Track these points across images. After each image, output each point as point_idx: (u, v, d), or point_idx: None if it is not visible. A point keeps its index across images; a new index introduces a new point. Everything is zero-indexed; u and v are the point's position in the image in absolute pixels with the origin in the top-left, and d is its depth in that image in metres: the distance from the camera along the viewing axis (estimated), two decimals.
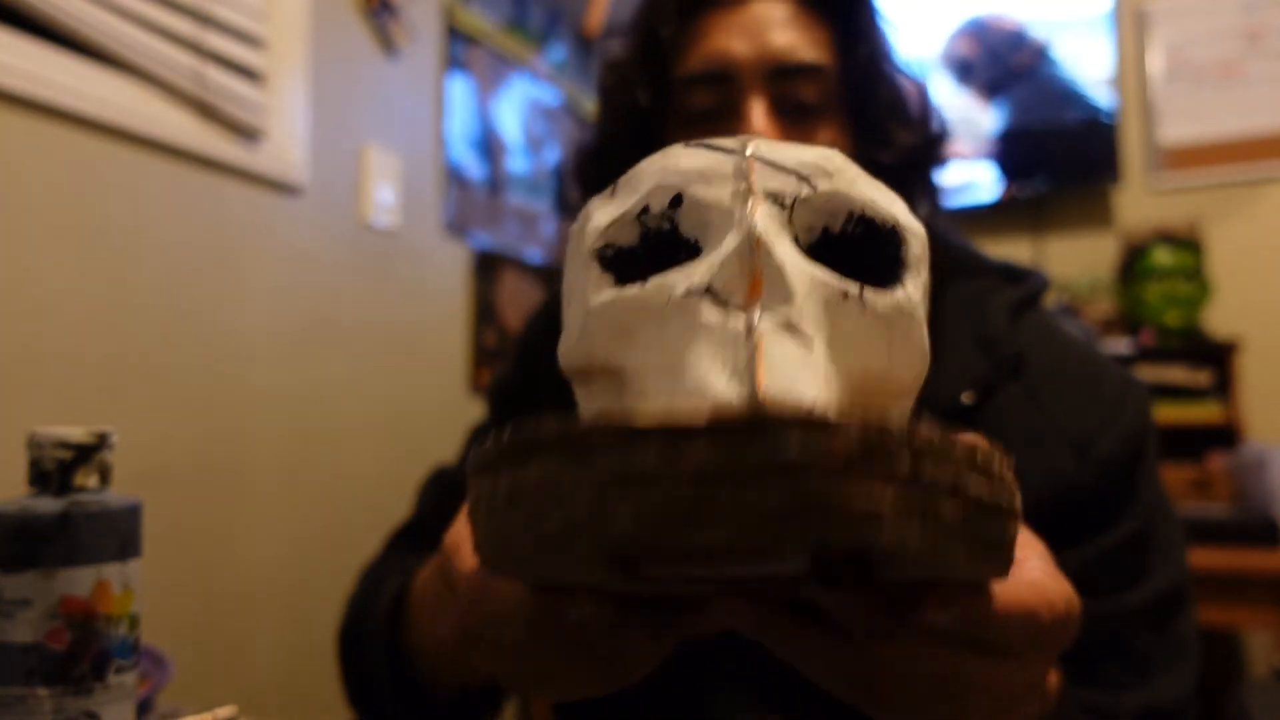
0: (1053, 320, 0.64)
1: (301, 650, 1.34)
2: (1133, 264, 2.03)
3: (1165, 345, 1.93)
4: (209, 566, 1.22)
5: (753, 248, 0.26)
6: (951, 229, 0.66)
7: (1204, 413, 1.85)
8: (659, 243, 0.28)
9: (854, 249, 0.28)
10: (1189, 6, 2.14)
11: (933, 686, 0.28)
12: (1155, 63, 2.16)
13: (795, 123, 0.58)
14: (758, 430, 0.18)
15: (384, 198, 1.59)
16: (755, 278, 0.25)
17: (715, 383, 0.23)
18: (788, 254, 0.26)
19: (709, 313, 0.25)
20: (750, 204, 0.27)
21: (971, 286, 0.62)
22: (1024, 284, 0.63)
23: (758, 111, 0.57)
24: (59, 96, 1.03)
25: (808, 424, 0.18)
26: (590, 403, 0.30)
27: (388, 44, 1.62)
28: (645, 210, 0.28)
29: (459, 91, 1.81)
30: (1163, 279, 1.97)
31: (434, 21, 1.76)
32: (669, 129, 0.62)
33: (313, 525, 1.41)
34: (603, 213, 0.29)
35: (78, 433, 0.41)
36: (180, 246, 1.20)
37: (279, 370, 1.35)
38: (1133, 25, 2.20)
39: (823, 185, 0.28)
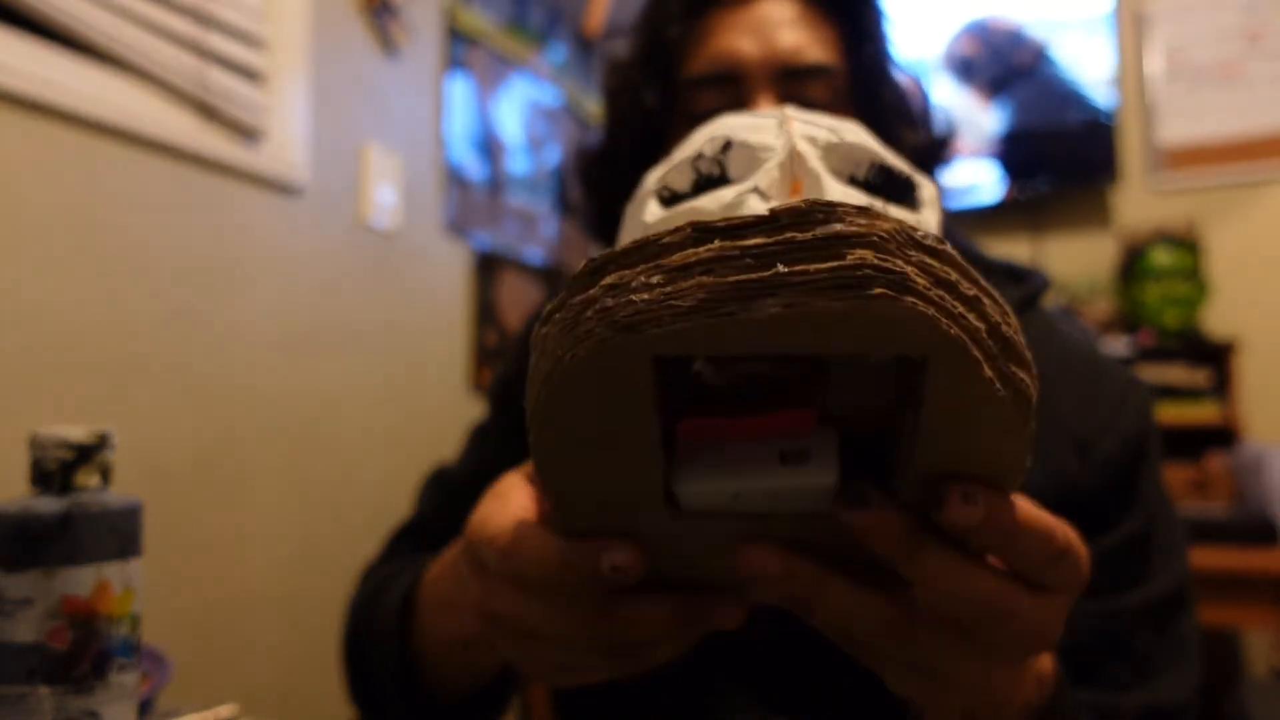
0: (1053, 320, 0.63)
1: (302, 650, 1.34)
2: (1132, 264, 2.04)
3: (1164, 345, 1.93)
4: (209, 566, 1.22)
5: (793, 158, 0.30)
6: (953, 228, 0.66)
7: (1203, 413, 1.85)
8: (709, 186, 0.32)
9: (876, 193, 0.33)
10: (1189, 6, 2.14)
11: (960, 626, 0.28)
12: (1155, 63, 2.16)
13: None
14: (809, 212, 0.21)
15: (384, 198, 1.59)
16: (796, 182, 0.30)
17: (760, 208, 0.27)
18: (822, 168, 0.30)
19: (756, 205, 0.29)
20: (789, 134, 0.31)
21: None
22: (1025, 284, 0.63)
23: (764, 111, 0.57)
24: (59, 96, 1.03)
25: (852, 209, 0.21)
26: None
27: (388, 44, 1.62)
28: (699, 155, 0.31)
29: (459, 92, 1.81)
30: (1162, 279, 1.97)
31: (434, 21, 1.76)
32: (675, 130, 0.61)
33: (313, 524, 1.41)
34: (665, 166, 0.33)
35: (79, 433, 0.41)
36: (180, 247, 1.20)
37: (279, 370, 1.36)
38: (1133, 25, 2.20)
39: (848, 137, 0.32)
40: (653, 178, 0.33)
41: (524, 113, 2.05)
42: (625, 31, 2.28)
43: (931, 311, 0.20)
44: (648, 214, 0.32)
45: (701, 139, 0.32)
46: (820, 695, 0.52)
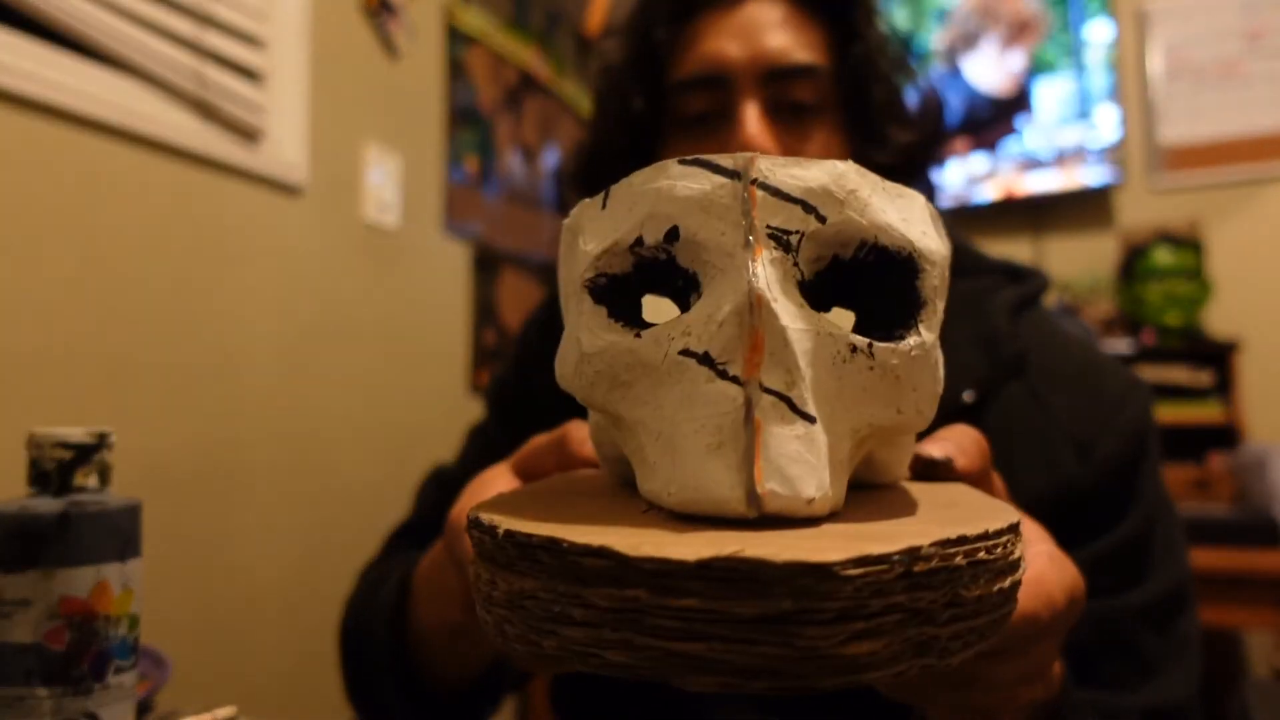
0: (1054, 319, 0.63)
1: (301, 650, 1.34)
2: (1133, 264, 2.04)
3: (1166, 345, 1.93)
4: (208, 566, 1.21)
5: (753, 308, 0.24)
6: (952, 227, 0.66)
7: (1204, 413, 1.85)
8: (654, 270, 0.27)
9: (868, 271, 0.27)
10: (1189, 6, 2.14)
11: (937, 681, 0.27)
12: (1155, 63, 2.16)
13: (790, 124, 0.58)
14: (750, 581, 0.18)
15: (384, 197, 1.59)
16: (756, 339, 0.24)
17: (714, 480, 0.23)
18: (790, 315, 0.24)
19: (706, 383, 0.24)
20: (750, 250, 0.24)
21: (972, 285, 0.62)
22: (1025, 283, 0.63)
23: (751, 114, 0.57)
24: (59, 96, 1.03)
25: (801, 573, 0.18)
26: (595, 426, 0.32)
27: (388, 44, 1.62)
28: (639, 242, 0.26)
29: (459, 91, 1.81)
30: (1163, 279, 1.97)
31: (434, 21, 1.76)
32: (664, 133, 0.61)
33: (312, 524, 1.41)
34: (594, 232, 0.27)
35: (77, 433, 0.41)
36: (180, 246, 1.20)
37: (279, 370, 1.35)
38: (1133, 25, 2.20)
39: (833, 216, 0.26)
40: (586, 248, 0.27)
41: (524, 113, 2.05)
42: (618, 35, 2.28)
43: (895, 675, 0.20)
44: (585, 326, 0.26)
45: (642, 210, 0.26)
46: (820, 698, 0.52)
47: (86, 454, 0.41)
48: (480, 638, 0.48)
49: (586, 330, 0.26)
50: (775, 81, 0.58)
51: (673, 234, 0.25)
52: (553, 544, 0.21)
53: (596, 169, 0.66)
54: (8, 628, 0.38)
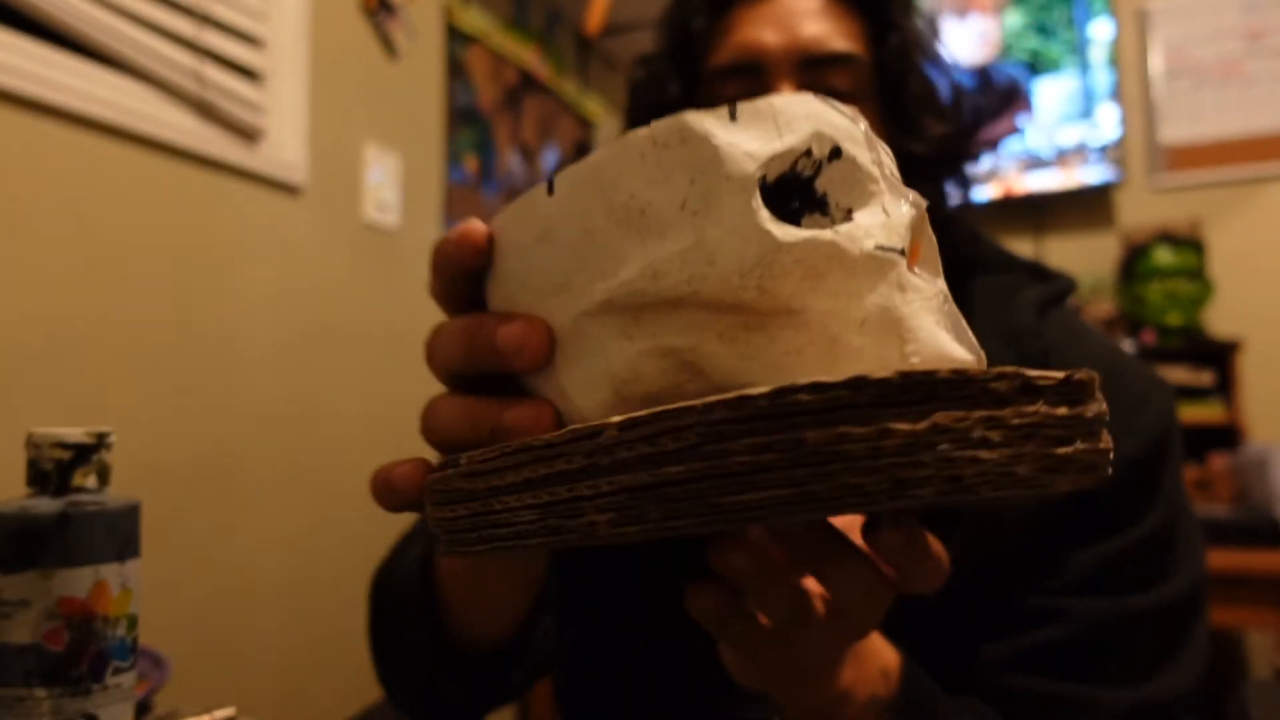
0: (1079, 319, 0.64)
1: (300, 651, 1.34)
2: (1134, 264, 2.03)
3: (1166, 345, 1.92)
4: (208, 567, 1.21)
5: (921, 219, 0.28)
6: (975, 227, 0.66)
7: (1206, 413, 1.85)
8: (788, 186, 0.28)
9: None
10: (1189, 6, 2.14)
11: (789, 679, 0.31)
12: (1155, 63, 2.16)
13: None
14: (1085, 391, 0.22)
15: (383, 197, 1.59)
16: (915, 247, 0.28)
17: (952, 347, 0.26)
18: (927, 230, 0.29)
19: (908, 274, 0.26)
20: (888, 176, 0.28)
21: (998, 281, 0.62)
22: (1051, 282, 0.63)
23: None
24: (59, 96, 1.03)
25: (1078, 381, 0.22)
26: (747, 343, 0.27)
27: (387, 44, 1.62)
28: (807, 153, 0.27)
29: (458, 91, 1.81)
30: (1164, 279, 1.97)
31: (434, 21, 1.76)
32: None
33: (312, 525, 1.41)
34: (743, 138, 0.27)
35: (76, 433, 0.41)
36: (180, 246, 1.19)
37: (278, 370, 1.35)
38: (1133, 25, 2.19)
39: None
40: (750, 149, 0.26)
41: (524, 113, 2.04)
42: (625, 31, 2.28)
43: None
44: (765, 219, 0.26)
45: (806, 127, 0.27)
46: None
47: (85, 454, 0.41)
48: (502, 590, 0.47)
49: (773, 223, 0.26)
50: (811, 69, 0.58)
51: (835, 152, 0.27)
52: (959, 376, 0.21)
53: None
54: (7, 628, 0.38)
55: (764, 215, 0.26)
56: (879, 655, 0.37)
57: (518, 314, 0.27)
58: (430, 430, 0.31)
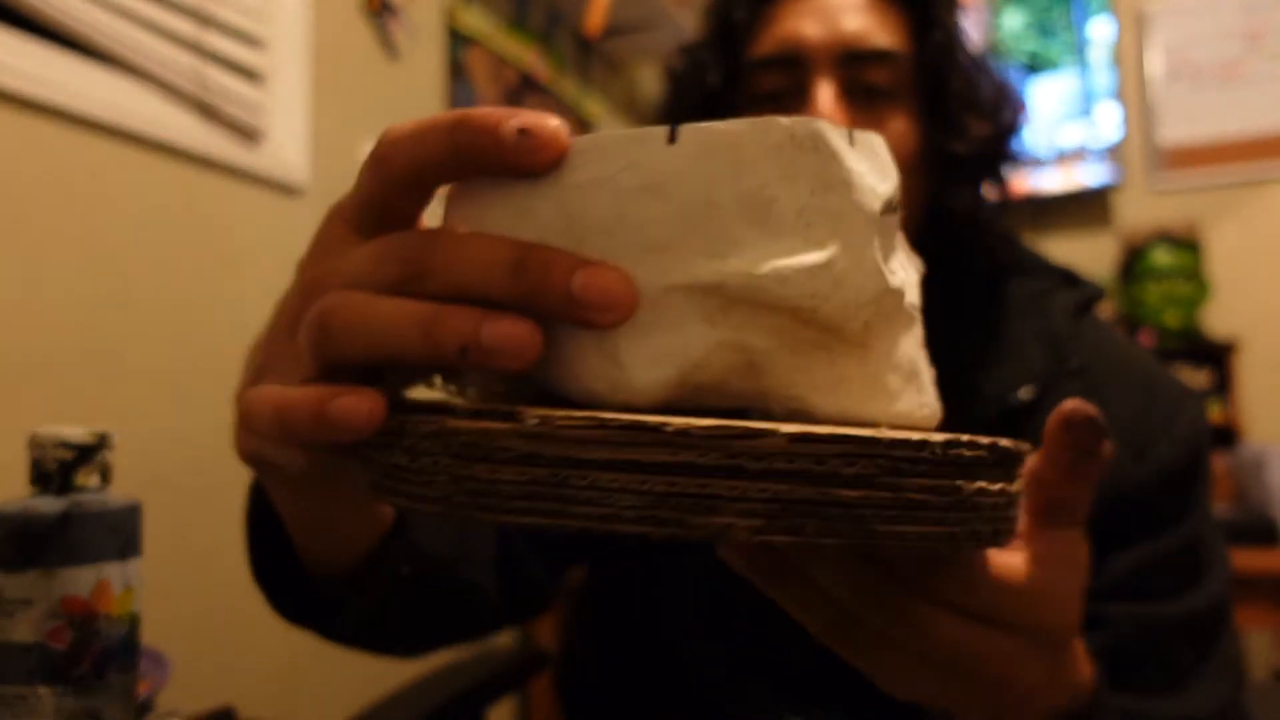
0: (1110, 326, 0.64)
1: (301, 650, 1.34)
2: (1132, 264, 2.04)
3: (1164, 345, 1.93)
4: (209, 566, 1.22)
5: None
6: (1009, 232, 0.66)
7: None
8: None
9: None
10: (1189, 7, 2.14)
11: (933, 660, 0.27)
12: (1155, 63, 2.16)
13: (864, 107, 0.58)
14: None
15: None
16: None
17: (938, 406, 0.29)
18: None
19: (920, 329, 0.28)
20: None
21: (1033, 285, 0.62)
22: (1082, 288, 0.63)
23: (825, 94, 0.57)
24: (59, 97, 1.03)
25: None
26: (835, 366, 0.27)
27: (388, 44, 1.62)
28: (890, 201, 0.27)
29: (459, 92, 1.81)
30: (1162, 279, 1.97)
31: (434, 22, 1.76)
32: (739, 110, 0.62)
33: None
34: (868, 169, 0.27)
35: (79, 433, 0.41)
36: (180, 247, 1.20)
37: None
38: (1133, 25, 2.20)
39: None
40: (874, 185, 0.26)
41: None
42: (625, 31, 2.28)
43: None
44: (884, 255, 0.27)
45: (894, 177, 0.27)
46: (848, 689, 0.52)
47: (88, 454, 0.41)
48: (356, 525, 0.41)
49: (895, 259, 0.28)
50: (851, 64, 0.58)
51: (896, 205, 0.28)
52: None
53: None
54: (9, 627, 0.38)
55: (880, 255, 0.26)
56: (1075, 663, 0.33)
57: (600, 262, 0.22)
58: (348, 329, 0.23)
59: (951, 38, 0.60)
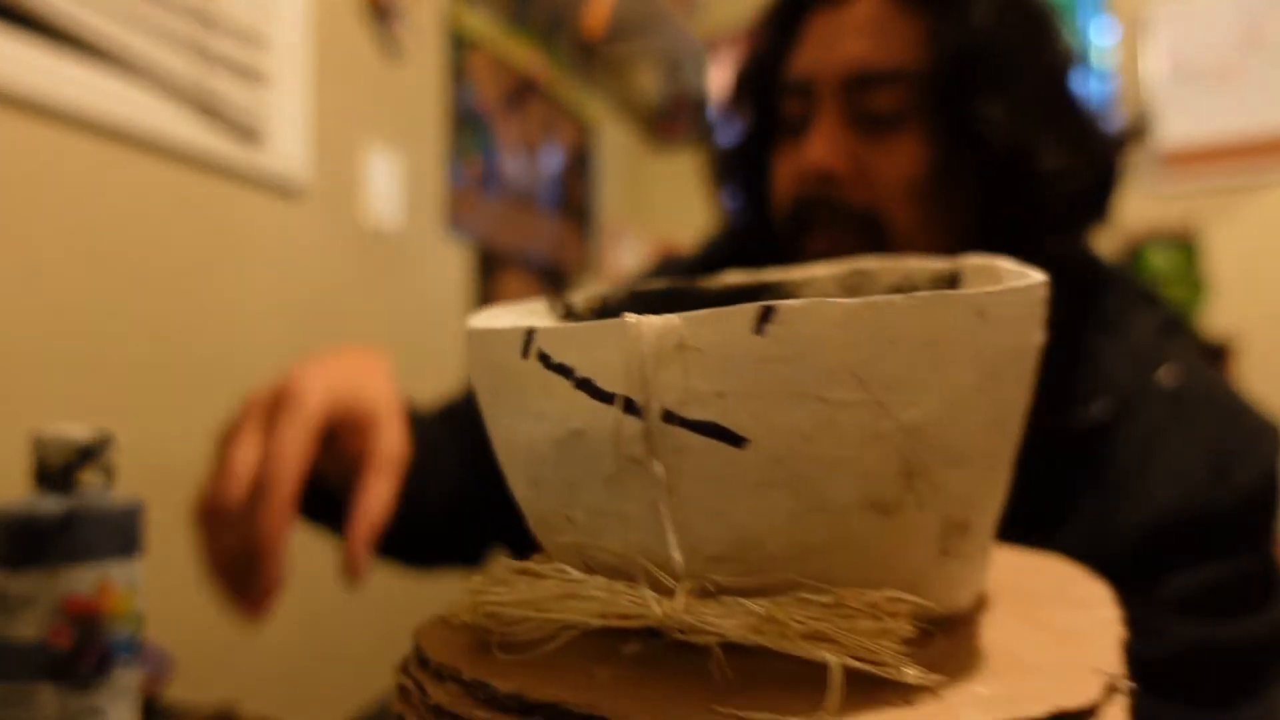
0: (1196, 349, 0.63)
1: (303, 648, 1.34)
2: (1131, 265, 2.04)
3: None
4: None
5: None
6: (1097, 259, 0.64)
7: None
8: None
9: None
10: (1189, 8, 2.14)
11: None
12: (1155, 64, 2.17)
13: (867, 135, 0.56)
14: None
15: (385, 199, 1.59)
16: None
17: None
18: None
19: None
20: None
21: (1116, 301, 0.61)
22: (1159, 307, 0.62)
23: (820, 133, 0.56)
24: (59, 97, 1.03)
25: None
26: None
27: (389, 45, 1.62)
28: None
29: (460, 93, 1.81)
30: (1160, 281, 1.97)
31: (435, 22, 1.77)
32: (776, 134, 0.62)
33: None
34: None
35: (82, 432, 0.41)
36: (181, 248, 1.20)
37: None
38: (1132, 28, 2.20)
39: None
40: None
41: (525, 114, 2.05)
42: (626, 33, 2.28)
43: None
44: None
45: None
46: None
47: (91, 453, 0.41)
48: None
49: None
50: (853, 91, 0.55)
51: None
52: None
53: (732, 164, 0.68)
54: (13, 625, 0.38)
55: None
56: None
57: None
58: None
59: (980, 42, 0.54)
